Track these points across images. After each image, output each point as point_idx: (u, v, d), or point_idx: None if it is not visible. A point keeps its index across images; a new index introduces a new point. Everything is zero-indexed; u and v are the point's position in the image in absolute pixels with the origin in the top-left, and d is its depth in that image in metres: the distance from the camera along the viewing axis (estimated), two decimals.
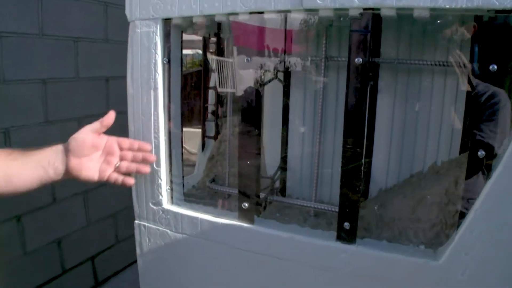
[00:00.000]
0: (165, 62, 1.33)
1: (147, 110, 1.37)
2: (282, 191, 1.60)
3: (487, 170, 1.02)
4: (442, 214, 1.21)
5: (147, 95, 1.36)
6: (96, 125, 1.12)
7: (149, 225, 1.47)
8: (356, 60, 1.06)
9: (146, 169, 1.24)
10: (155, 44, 1.31)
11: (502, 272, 1.00)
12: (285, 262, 1.24)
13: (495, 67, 0.97)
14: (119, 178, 1.18)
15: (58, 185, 2.55)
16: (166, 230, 1.44)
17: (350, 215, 1.15)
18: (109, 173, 1.17)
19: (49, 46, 2.37)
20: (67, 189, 2.57)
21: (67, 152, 1.13)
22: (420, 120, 1.37)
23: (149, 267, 1.53)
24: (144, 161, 1.23)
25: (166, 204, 1.43)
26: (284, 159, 1.57)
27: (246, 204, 1.30)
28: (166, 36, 1.32)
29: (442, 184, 1.22)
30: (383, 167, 1.44)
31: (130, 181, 1.21)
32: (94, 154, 1.13)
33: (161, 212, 1.43)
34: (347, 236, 1.16)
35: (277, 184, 1.60)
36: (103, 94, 2.82)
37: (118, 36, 2.71)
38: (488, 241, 1.00)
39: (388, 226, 1.27)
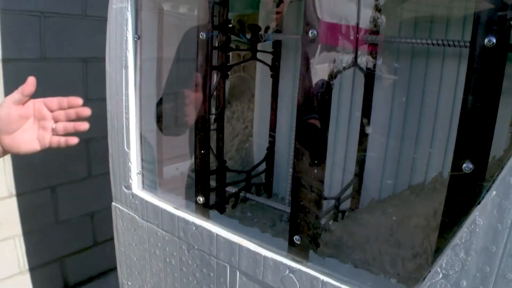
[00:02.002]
0: (135, 39, 1.26)
1: (120, 89, 1.31)
2: (268, 188, 1.43)
3: (476, 191, 0.73)
4: (427, 241, 0.93)
5: (120, 73, 1.30)
6: (16, 96, 1.03)
7: (122, 208, 1.44)
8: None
9: (83, 126, 1.12)
10: (127, 20, 1.24)
11: None
12: (229, 268, 1.09)
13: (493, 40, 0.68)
14: (61, 140, 1.09)
15: (94, 161, 2.70)
16: (135, 215, 1.38)
17: (301, 227, 0.95)
18: (49, 139, 1.09)
19: (91, 26, 2.48)
20: (102, 167, 2.71)
21: None
22: (424, 121, 1.08)
23: (123, 251, 1.50)
24: (79, 117, 1.11)
25: (136, 189, 1.37)
26: (269, 152, 1.39)
27: (201, 199, 1.17)
28: (137, 12, 1.24)
29: (431, 203, 0.93)
30: (377, 174, 1.18)
31: (73, 140, 1.10)
32: (25, 125, 1.07)
33: (131, 197, 1.38)
34: (297, 252, 0.96)
35: (261, 179, 1.43)
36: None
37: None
38: None
39: (361, 247, 1.02)
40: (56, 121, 1.06)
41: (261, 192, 1.41)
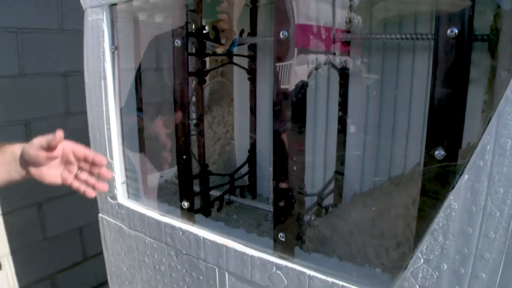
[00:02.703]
0: (112, 50, 1.26)
1: (99, 101, 1.31)
2: (252, 189, 1.44)
3: (449, 177, 0.76)
4: (409, 230, 0.95)
5: (99, 85, 1.30)
6: (44, 143, 1.06)
7: (109, 219, 1.43)
8: None
9: (104, 186, 1.15)
10: (103, 31, 1.25)
11: None
12: (217, 270, 1.10)
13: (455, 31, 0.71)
14: (81, 187, 1.12)
15: None
16: (121, 225, 1.38)
17: (286, 224, 0.96)
18: (71, 180, 1.11)
19: (69, 40, 2.47)
20: None
21: (24, 161, 1.10)
22: (400, 113, 1.11)
23: (112, 261, 1.49)
24: (100, 177, 1.14)
25: (122, 198, 1.37)
26: (251, 154, 1.41)
27: (186, 204, 1.17)
28: (113, 23, 1.25)
29: (410, 192, 0.96)
30: (358, 168, 1.21)
31: (91, 194, 1.14)
32: (52, 163, 1.09)
33: (117, 207, 1.37)
34: (283, 249, 0.98)
35: (244, 182, 1.44)
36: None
37: None
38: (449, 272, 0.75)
39: (346, 241, 1.04)
40: (80, 169, 1.09)
41: (245, 194, 1.42)
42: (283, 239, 0.97)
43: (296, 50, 0.86)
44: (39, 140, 1.05)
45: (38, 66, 2.36)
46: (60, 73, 2.50)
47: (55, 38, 2.43)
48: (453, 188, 0.73)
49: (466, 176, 0.71)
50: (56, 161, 1.09)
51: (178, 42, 1.05)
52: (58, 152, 1.06)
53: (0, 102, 2.22)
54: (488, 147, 0.69)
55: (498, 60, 0.85)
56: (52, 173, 1.08)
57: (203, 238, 1.12)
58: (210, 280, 1.14)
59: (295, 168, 0.93)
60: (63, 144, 1.09)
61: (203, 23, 1.30)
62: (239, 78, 1.49)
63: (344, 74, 1.17)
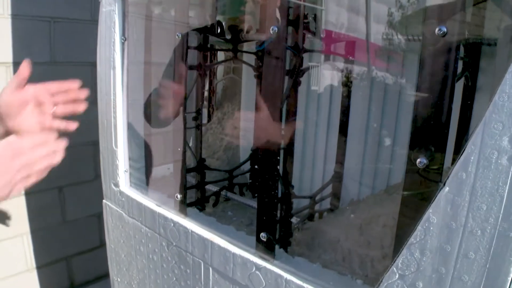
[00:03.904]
0: (122, 40, 1.30)
1: (108, 90, 1.36)
2: (252, 188, 1.43)
3: (430, 188, 0.71)
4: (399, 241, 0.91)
5: (109, 74, 1.35)
6: (13, 82, 1.08)
7: (111, 205, 1.47)
8: None
9: (81, 107, 1.15)
10: (114, 22, 1.29)
11: None
12: (203, 264, 1.10)
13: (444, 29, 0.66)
14: (61, 124, 1.13)
15: None
16: (122, 212, 1.41)
17: (268, 224, 0.95)
18: (49, 123, 1.13)
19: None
20: None
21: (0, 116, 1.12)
22: (402, 120, 1.06)
23: (112, 247, 1.53)
24: (76, 100, 1.15)
25: (124, 186, 1.40)
26: (254, 152, 1.40)
27: (179, 196, 1.18)
28: (124, 14, 1.28)
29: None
30: (356, 174, 1.16)
31: (72, 125, 1.15)
32: (26, 110, 1.10)
33: (119, 194, 1.41)
34: (263, 249, 0.96)
35: (246, 179, 1.43)
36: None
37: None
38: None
39: (333, 247, 1.01)
40: (55, 105, 1.10)
41: (246, 192, 1.41)
42: (264, 239, 0.95)
43: (284, 45, 0.84)
44: (9, 83, 1.05)
45: (69, 55, 2.48)
46: (89, 62, 2.60)
47: (87, 28, 2.54)
48: (433, 200, 0.68)
49: (447, 188, 0.66)
50: (29, 109, 1.08)
51: (178, 35, 1.07)
52: (28, 94, 1.05)
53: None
54: (472, 158, 0.64)
55: (496, 65, 0.79)
56: (28, 122, 1.06)
57: (191, 231, 1.12)
58: (196, 274, 1.15)
59: (280, 167, 0.91)
60: (34, 88, 1.10)
61: (220, 20, 1.31)
62: (247, 75, 1.49)
63: (348, 80, 1.14)
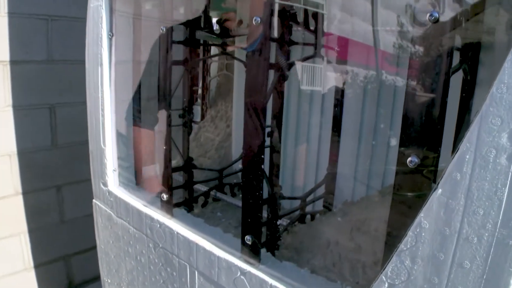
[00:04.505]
0: (109, 36, 1.26)
1: (96, 87, 1.32)
2: None
3: (422, 190, 0.65)
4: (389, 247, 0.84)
5: (96, 71, 1.31)
6: None
7: (100, 205, 1.43)
8: None
9: None
10: (102, 18, 1.25)
11: None
12: (188, 267, 1.05)
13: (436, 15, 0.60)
14: None
15: None
16: (111, 212, 1.37)
17: (253, 226, 0.89)
18: None
19: None
20: None
21: None
22: (397, 119, 1.00)
23: (102, 248, 1.50)
24: None
25: (112, 186, 1.36)
26: None
27: (165, 196, 1.14)
28: (112, 10, 1.24)
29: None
30: (350, 175, 1.10)
31: None
32: None
33: (107, 194, 1.37)
34: (249, 253, 0.91)
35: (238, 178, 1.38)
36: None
37: None
38: None
39: (322, 252, 0.95)
40: None
41: (237, 192, 1.36)
42: (249, 242, 0.90)
43: (268, 36, 0.78)
44: None
45: (66, 53, 2.45)
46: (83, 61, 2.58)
47: (85, 27, 2.51)
48: (425, 203, 0.62)
49: (440, 190, 0.60)
50: None
51: (162, 29, 1.02)
52: None
53: (27, 86, 2.33)
54: (468, 157, 0.58)
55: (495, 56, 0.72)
56: None
57: (177, 232, 1.08)
58: (182, 277, 1.10)
59: (267, 166, 0.85)
60: None
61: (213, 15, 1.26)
62: (239, 71, 1.43)
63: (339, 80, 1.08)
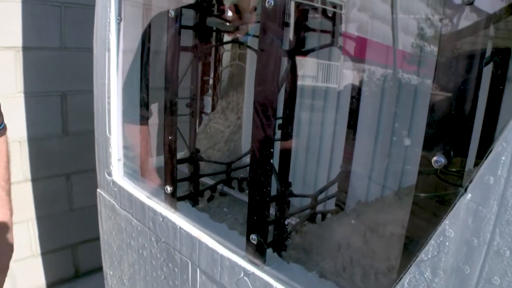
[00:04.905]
0: (118, 21, 1.21)
1: (103, 73, 1.28)
2: None
3: (448, 193, 0.58)
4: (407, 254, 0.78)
5: (104, 56, 1.26)
6: None
7: (104, 195, 1.40)
8: None
9: None
10: (110, 2, 1.20)
11: None
12: (190, 264, 1.00)
13: None
14: None
15: None
16: (114, 203, 1.34)
17: (259, 225, 0.84)
18: None
19: None
20: None
21: None
22: (418, 115, 0.93)
23: (105, 239, 1.47)
24: None
25: (117, 175, 1.32)
26: None
27: (169, 188, 1.09)
28: None
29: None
30: (365, 173, 1.04)
31: None
32: None
33: (111, 184, 1.33)
34: (253, 252, 0.85)
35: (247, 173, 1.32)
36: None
37: None
38: None
39: (332, 255, 0.89)
40: None
41: (246, 187, 1.30)
42: (254, 242, 0.84)
43: (282, 19, 0.72)
44: None
45: (79, 41, 2.43)
46: None
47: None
48: (451, 209, 0.56)
49: (469, 195, 0.53)
50: None
51: (171, 13, 0.96)
52: None
53: (40, 73, 2.32)
54: (503, 158, 0.51)
55: None
56: None
57: (180, 227, 1.03)
58: (184, 274, 1.05)
59: (273, 161, 0.79)
60: None
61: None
62: (251, 60, 1.37)
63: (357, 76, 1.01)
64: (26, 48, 2.22)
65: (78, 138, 2.56)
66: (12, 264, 2.42)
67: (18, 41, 2.22)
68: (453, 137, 0.57)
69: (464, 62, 0.57)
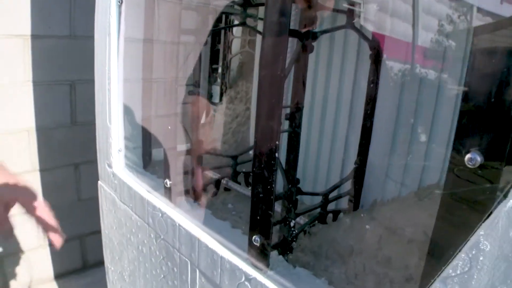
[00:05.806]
0: (119, 3, 1.14)
1: (104, 59, 1.21)
2: None
3: (484, 198, 0.49)
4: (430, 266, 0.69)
5: (104, 41, 1.20)
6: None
7: (105, 187, 1.34)
8: None
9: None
10: None
11: None
12: (189, 264, 0.93)
13: None
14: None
15: None
16: (115, 196, 1.28)
17: (262, 225, 0.76)
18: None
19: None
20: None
21: None
22: (441, 111, 0.83)
23: (106, 233, 1.41)
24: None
25: (117, 167, 1.26)
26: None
27: (168, 182, 1.02)
28: None
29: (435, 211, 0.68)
30: (382, 170, 0.94)
31: None
32: None
33: (112, 176, 1.27)
34: (257, 256, 0.77)
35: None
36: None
37: None
38: None
39: (343, 260, 0.80)
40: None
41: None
42: (257, 244, 0.76)
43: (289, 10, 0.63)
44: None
45: (88, 29, 2.37)
46: None
47: None
48: (487, 217, 0.46)
49: (510, 202, 0.44)
50: None
51: None
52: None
53: (48, 61, 2.28)
54: None
55: None
56: None
57: (179, 224, 0.96)
58: (183, 274, 0.98)
59: (279, 155, 0.71)
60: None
61: None
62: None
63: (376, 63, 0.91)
64: (34, 36, 2.18)
65: (87, 128, 2.51)
66: (20, 254, 2.42)
67: (27, 29, 2.18)
68: (491, 132, 0.47)
69: (501, 49, 0.47)
